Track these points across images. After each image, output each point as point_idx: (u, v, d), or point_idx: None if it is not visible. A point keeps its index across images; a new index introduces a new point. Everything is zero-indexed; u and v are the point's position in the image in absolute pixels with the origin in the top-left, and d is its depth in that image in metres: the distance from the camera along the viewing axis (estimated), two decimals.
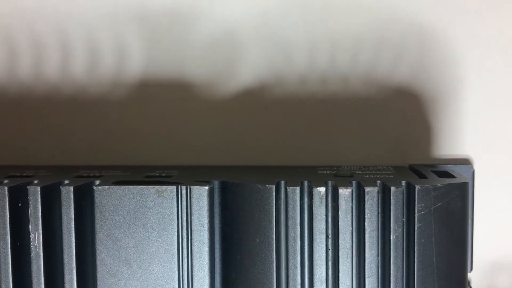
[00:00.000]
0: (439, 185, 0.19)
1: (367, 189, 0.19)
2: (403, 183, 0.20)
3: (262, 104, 0.26)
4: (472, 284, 0.26)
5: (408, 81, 0.26)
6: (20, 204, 0.20)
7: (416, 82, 0.26)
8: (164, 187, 0.20)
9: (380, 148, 0.26)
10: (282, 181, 0.20)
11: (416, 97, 0.26)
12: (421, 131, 0.26)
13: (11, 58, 0.27)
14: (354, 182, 0.20)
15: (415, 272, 0.19)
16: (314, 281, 0.20)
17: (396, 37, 0.25)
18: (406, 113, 0.26)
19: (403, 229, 0.19)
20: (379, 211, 0.19)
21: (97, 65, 0.26)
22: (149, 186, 0.20)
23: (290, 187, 0.20)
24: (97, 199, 0.20)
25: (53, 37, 0.26)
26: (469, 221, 0.21)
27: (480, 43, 0.25)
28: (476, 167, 0.26)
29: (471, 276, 0.26)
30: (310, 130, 0.26)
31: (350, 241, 0.19)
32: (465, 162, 0.26)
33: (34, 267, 0.21)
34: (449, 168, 0.24)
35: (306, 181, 0.20)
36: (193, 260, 0.20)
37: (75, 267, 0.20)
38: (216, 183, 0.21)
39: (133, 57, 0.26)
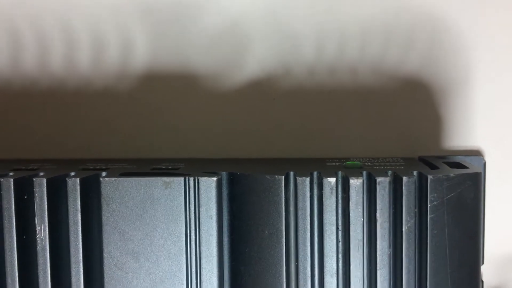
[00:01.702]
0: (452, 175, 0.19)
1: (378, 179, 0.19)
2: (415, 173, 0.19)
3: (269, 96, 0.26)
4: (484, 278, 0.26)
5: (417, 71, 0.25)
6: (25, 197, 0.20)
7: (426, 73, 0.25)
8: (171, 178, 0.19)
9: (389, 139, 0.26)
10: (292, 172, 0.20)
11: (426, 88, 0.25)
12: (431, 123, 0.26)
13: (16, 51, 0.26)
14: (364, 172, 0.19)
15: (428, 264, 0.19)
16: (324, 274, 0.19)
17: (405, 27, 0.25)
18: (416, 104, 0.25)
19: (415, 220, 0.19)
20: (391, 201, 0.19)
21: (102, 58, 0.26)
22: (156, 178, 0.20)
23: (299, 178, 0.19)
24: (104, 191, 0.20)
25: (58, 30, 0.26)
26: (481, 213, 0.21)
27: (491, 33, 0.25)
28: (488, 158, 0.25)
29: (482, 269, 0.26)
30: (318, 122, 0.26)
31: (362, 233, 0.19)
32: (476, 153, 0.25)
33: (40, 260, 0.20)
34: (460, 159, 0.24)
35: (315, 172, 0.20)
36: (201, 252, 0.20)
37: (81, 260, 0.20)
38: (224, 174, 0.20)
39: (138, 49, 0.26)
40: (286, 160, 0.25)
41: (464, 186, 0.19)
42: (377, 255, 0.19)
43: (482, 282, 0.26)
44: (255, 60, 0.26)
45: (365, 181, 0.19)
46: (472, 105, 0.25)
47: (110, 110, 0.26)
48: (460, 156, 0.25)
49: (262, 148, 0.26)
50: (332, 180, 0.19)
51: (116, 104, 0.26)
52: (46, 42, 0.26)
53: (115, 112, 0.26)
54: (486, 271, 0.26)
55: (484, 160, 0.25)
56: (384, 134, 0.26)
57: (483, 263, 0.26)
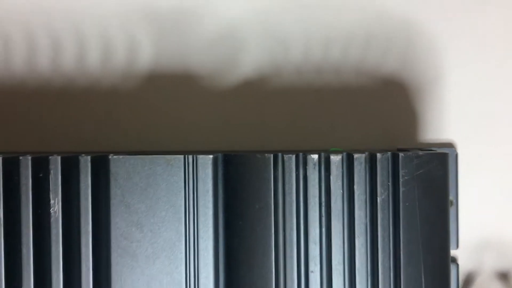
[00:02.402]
0: (420, 153, 0.22)
1: (355, 156, 0.21)
2: (389, 152, 0.22)
3: (262, 94, 0.28)
4: (459, 262, 0.28)
5: (396, 72, 0.28)
6: (41, 175, 0.23)
7: (403, 73, 0.28)
8: (173, 156, 0.22)
9: (370, 134, 0.28)
10: (279, 153, 0.22)
11: (403, 87, 0.28)
12: (408, 118, 0.28)
13: (31, 53, 0.29)
14: (345, 153, 0.22)
15: (401, 233, 0.21)
16: (308, 242, 0.22)
17: (384, 32, 0.28)
18: (395, 101, 0.28)
19: (388, 193, 0.21)
20: (367, 176, 0.21)
21: (110, 59, 0.29)
22: (159, 156, 0.22)
23: (286, 156, 0.22)
24: (112, 168, 0.22)
25: (69, 34, 0.29)
26: (448, 189, 0.23)
27: (462, 36, 0.28)
28: (460, 150, 0.28)
29: (458, 254, 0.28)
30: (306, 118, 0.28)
31: (341, 204, 0.21)
32: (449, 145, 0.28)
33: (53, 231, 0.22)
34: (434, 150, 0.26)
35: (301, 153, 0.22)
36: (198, 224, 0.22)
37: (91, 231, 0.22)
38: (220, 155, 0.23)
39: (143, 51, 0.29)
40: (276, 151, 0.27)
41: (432, 164, 0.22)
42: (355, 225, 0.21)
43: (458, 265, 0.28)
44: (249, 62, 0.28)
45: (344, 159, 0.22)
46: (445, 102, 0.28)
47: (116, 107, 0.29)
48: (434, 148, 0.27)
49: (255, 141, 0.28)
50: (315, 156, 0.22)
51: (122, 102, 0.29)
52: (59, 45, 0.29)
53: (121, 109, 0.29)
54: (461, 256, 0.28)
55: (456, 151, 0.28)
56: (365, 129, 0.28)
57: (458, 247, 0.28)
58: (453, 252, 0.28)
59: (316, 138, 0.28)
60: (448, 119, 0.28)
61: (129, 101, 0.29)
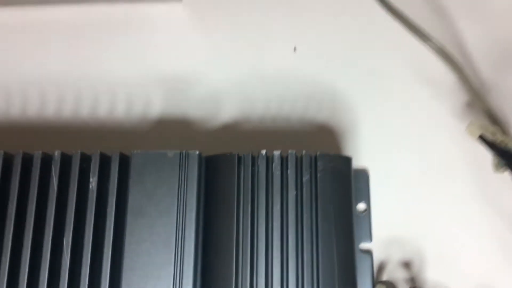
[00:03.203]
0: (328, 153, 0.34)
1: (275, 153, 0.33)
2: (303, 151, 0.34)
3: (236, 134, 0.41)
4: (374, 253, 0.39)
5: (324, 121, 0.41)
6: (84, 165, 0.34)
7: (331, 122, 0.41)
8: (173, 151, 0.34)
9: None
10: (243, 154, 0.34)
11: (332, 131, 0.41)
12: (334, 151, 0.40)
13: (78, 103, 0.42)
14: (279, 157, 0.34)
15: (318, 222, 0.32)
16: (258, 228, 0.32)
17: (319, 93, 0.41)
18: (325, 140, 0.41)
19: (310, 177, 0.33)
20: (282, 170, 0.33)
21: (132, 108, 0.42)
22: (165, 150, 0.34)
23: (245, 154, 0.34)
24: (134, 160, 0.34)
25: (106, 91, 0.42)
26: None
27: (372, 96, 0.41)
28: (371, 172, 0.40)
29: (372, 246, 0.39)
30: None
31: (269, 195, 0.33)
32: (364, 170, 0.40)
33: (89, 204, 0.34)
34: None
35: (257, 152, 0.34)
36: (186, 211, 0.33)
37: (114, 211, 0.33)
38: (203, 158, 0.35)
39: (155, 104, 0.42)
40: None
41: (337, 162, 0.34)
42: (274, 218, 0.33)
43: (372, 256, 0.38)
44: (227, 113, 0.42)
45: (279, 157, 0.33)
46: (360, 143, 0.41)
47: (135, 142, 0.41)
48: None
49: None
50: (263, 151, 0.34)
51: (139, 139, 0.41)
52: (99, 98, 0.42)
53: (138, 144, 0.41)
54: (375, 248, 0.39)
55: (368, 173, 0.40)
56: None
57: (371, 240, 0.39)
58: (368, 245, 0.39)
59: None
60: (363, 154, 0.40)
61: (144, 138, 0.41)
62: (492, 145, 0.33)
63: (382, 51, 0.42)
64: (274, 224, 0.32)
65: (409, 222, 0.39)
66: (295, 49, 0.42)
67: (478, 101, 0.39)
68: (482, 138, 0.34)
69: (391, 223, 0.39)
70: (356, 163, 0.40)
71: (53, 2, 0.44)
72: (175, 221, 0.32)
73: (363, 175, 0.39)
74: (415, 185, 0.40)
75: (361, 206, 0.39)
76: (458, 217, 0.39)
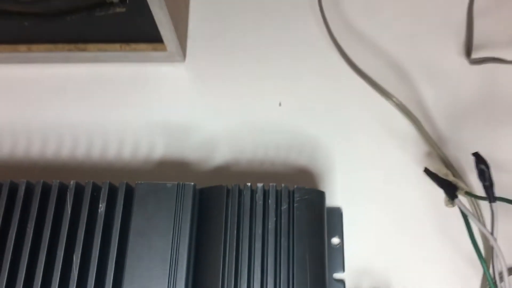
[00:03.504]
0: (304, 187, 0.40)
1: (259, 185, 0.39)
2: (283, 185, 0.40)
3: (227, 177, 0.47)
4: (346, 282, 0.43)
5: (304, 165, 0.47)
6: (95, 194, 0.40)
7: (308, 166, 0.47)
8: (171, 183, 0.40)
9: None
10: (232, 185, 0.40)
11: (309, 175, 0.47)
12: None
13: (88, 146, 0.48)
14: (262, 188, 0.40)
15: (294, 246, 0.38)
16: (242, 251, 0.38)
17: (299, 142, 0.48)
18: (304, 182, 0.47)
19: (280, 215, 0.38)
20: (264, 201, 0.39)
21: (137, 151, 0.48)
22: (166, 182, 0.40)
23: (233, 185, 0.40)
24: (137, 189, 0.40)
25: (115, 137, 0.49)
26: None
27: (343, 144, 0.48)
28: (344, 211, 0.45)
29: (344, 276, 0.44)
30: None
31: (253, 222, 0.38)
32: (337, 208, 0.46)
33: (97, 226, 0.39)
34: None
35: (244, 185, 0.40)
36: (180, 236, 0.38)
37: (118, 231, 0.39)
38: (197, 189, 0.41)
39: (158, 147, 0.48)
40: None
41: (312, 195, 0.40)
42: (256, 240, 0.38)
43: (344, 284, 0.43)
44: (220, 156, 0.48)
45: (262, 189, 0.39)
46: (335, 185, 0.47)
47: (137, 180, 0.47)
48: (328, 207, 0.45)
49: None
50: (248, 184, 0.39)
51: (143, 178, 0.47)
52: (109, 143, 0.49)
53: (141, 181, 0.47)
54: (347, 278, 0.44)
55: (341, 210, 0.45)
56: None
57: (344, 271, 0.43)
58: (341, 275, 0.44)
59: None
60: (337, 194, 0.46)
61: (147, 177, 0.47)
62: (433, 176, 0.39)
63: (353, 106, 0.48)
64: (256, 245, 0.38)
65: (378, 256, 0.44)
66: (280, 104, 0.49)
67: (435, 151, 0.45)
68: (427, 171, 0.40)
69: (362, 256, 0.44)
70: (331, 202, 0.46)
71: (72, 61, 0.51)
72: (171, 241, 0.38)
73: (337, 212, 0.45)
74: (383, 223, 0.45)
75: (335, 240, 0.44)
76: (421, 251, 0.44)
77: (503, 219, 0.39)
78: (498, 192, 0.38)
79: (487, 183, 0.36)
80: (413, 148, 0.47)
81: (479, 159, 0.36)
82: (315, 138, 0.48)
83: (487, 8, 0.51)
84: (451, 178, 0.40)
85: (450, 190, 0.37)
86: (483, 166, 0.36)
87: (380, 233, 0.45)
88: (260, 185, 0.39)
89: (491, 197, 0.36)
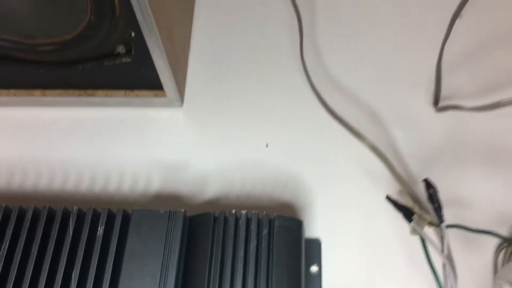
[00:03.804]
0: (284, 215, 0.44)
1: (242, 212, 0.44)
2: (264, 213, 0.44)
3: (217, 207, 0.51)
4: None
5: (288, 199, 0.52)
6: (95, 219, 0.45)
7: (292, 200, 0.52)
8: (164, 210, 0.44)
9: None
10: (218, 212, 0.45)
11: (292, 208, 0.51)
12: None
13: (91, 181, 0.53)
14: (245, 215, 0.44)
15: (273, 267, 0.42)
16: (224, 274, 0.42)
17: (283, 178, 0.52)
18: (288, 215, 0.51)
19: (259, 240, 0.43)
20: (246, 228, 0.43)
21: (136, 186, 0.53)
22: (158, 209, 0.44)
23: (219, 212, 0.44)
24: (134, 215, 0.44)
25: (116, 172, 0.54)
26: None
27: (325, 181, 0.52)
28: (323, 242, 0.49)
29: None
30: None
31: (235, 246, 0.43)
32: (317, 240, 0.50)
33: (95, 247, 0.43)
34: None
35: (229, 212, 0.44)
36: (171, 252, 0.43)
37: (114, 252, 0.43)
38: (188, 216, 0.45)
39: (154, 183, 0.53)
40: None
41: (291, 222, 0.44)
42: (238, 261, 0.42)
43: None
44: (211, 191, 0.52)
45: (246, 216, 0.44)
46: (314, 219, 0.51)
47: None
48: (307, 238, 0.49)
49: None
50: (233, 211, 0.44)
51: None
52: (110, 179, 0.53)
53: None
54: None
55: (320, 241, 0.49)
56: None
57: None
58: None
59: None
60: (317, 227, 0.50)
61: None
62: (393, 202, 0.44)
63: (333, 148, 0.53)
64: (238, 266, 0.42)
65: (354, 283, 0.48)
66: (267, 145, 0.54)
67: (406, 189, 0.50)
68: (388, 198, 0.44)
69: (339, 284, 0.48)
70: (311, 234, 0.50)
71: (81, 105, 0.57)
72: (161, 262, 0.42)
73: (316, 243, 0.49)
74: (359, 252, 0.49)
75: (314, 268, 0.48)
76: (394, 278, 0.48)
77: (466, 250, 0.43)
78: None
79: (436, 205, 0.40)
80: (386, 185, 0.51)
81: (428, 184, 0.41)
82: (298, 176, 0.53)
83: (456, 62, 0.57)
84: (416, 209, 0.44)
85: (407, 213, 0.42)
86: (432, 190, 0.40)
87: (357, 262, 0.49)
88: (244, 212, 0.44)
89: (439, 217, 0.41)
